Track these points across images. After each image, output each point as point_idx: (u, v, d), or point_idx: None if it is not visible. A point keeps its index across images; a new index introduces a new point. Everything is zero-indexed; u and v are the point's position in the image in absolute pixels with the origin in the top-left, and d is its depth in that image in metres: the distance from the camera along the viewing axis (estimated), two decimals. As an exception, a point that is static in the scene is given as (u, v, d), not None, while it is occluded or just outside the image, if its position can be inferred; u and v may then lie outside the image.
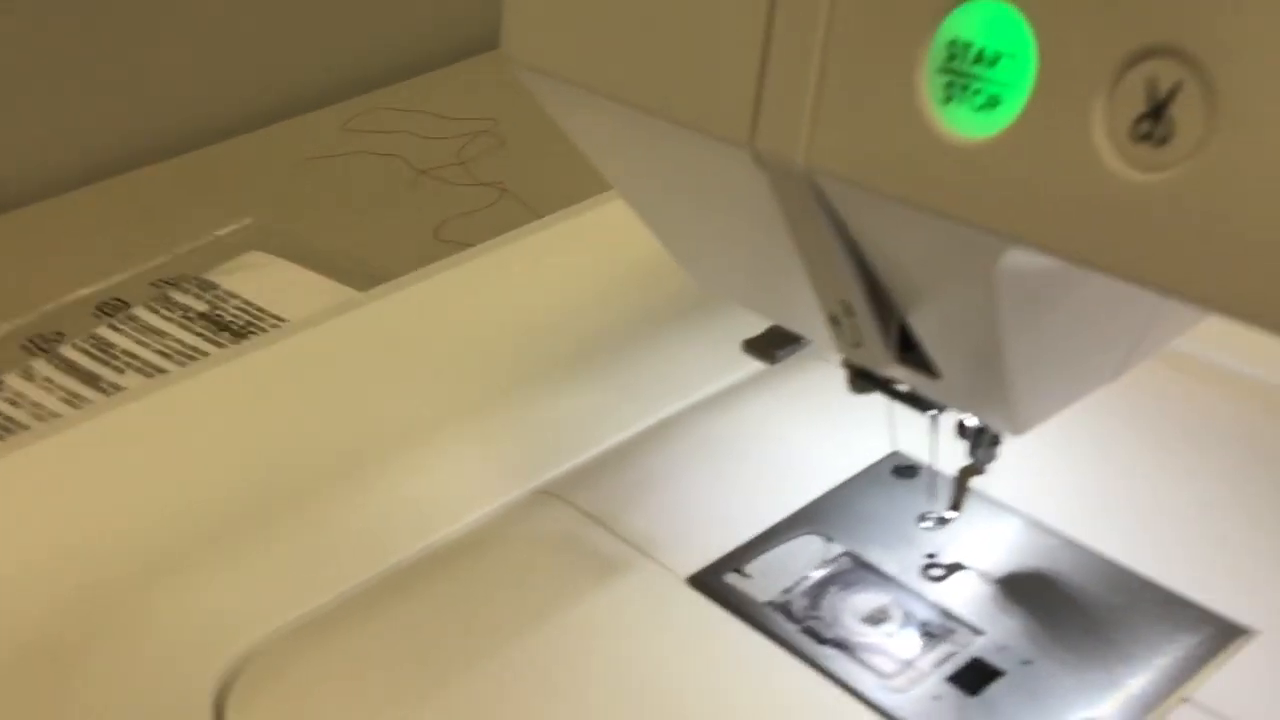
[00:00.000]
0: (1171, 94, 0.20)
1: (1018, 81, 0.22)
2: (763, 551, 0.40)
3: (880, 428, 0.41)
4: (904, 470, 0.43)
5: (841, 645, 0.36)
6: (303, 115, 0.93)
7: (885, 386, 0.34)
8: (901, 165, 0.24)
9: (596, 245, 0.50)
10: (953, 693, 0.35)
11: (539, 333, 0.47)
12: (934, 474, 0.39)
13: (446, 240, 0.74)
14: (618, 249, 0.48)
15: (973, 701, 0.34)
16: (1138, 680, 0.35)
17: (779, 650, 0.36)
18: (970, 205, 0.23)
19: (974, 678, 0.35)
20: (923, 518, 0.40)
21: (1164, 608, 0.37)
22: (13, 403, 0.59)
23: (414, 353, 0.46)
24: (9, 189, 0.85)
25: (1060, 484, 0.42)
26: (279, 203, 0.80)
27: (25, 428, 0.56)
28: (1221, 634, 0.36)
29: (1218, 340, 0.45)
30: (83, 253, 0.76)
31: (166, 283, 0.72)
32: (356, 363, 0.45)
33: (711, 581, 0.39)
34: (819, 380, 0.46)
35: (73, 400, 0.58)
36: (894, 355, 0.29)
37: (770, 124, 0.26)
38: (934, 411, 0.35)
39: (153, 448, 0.41)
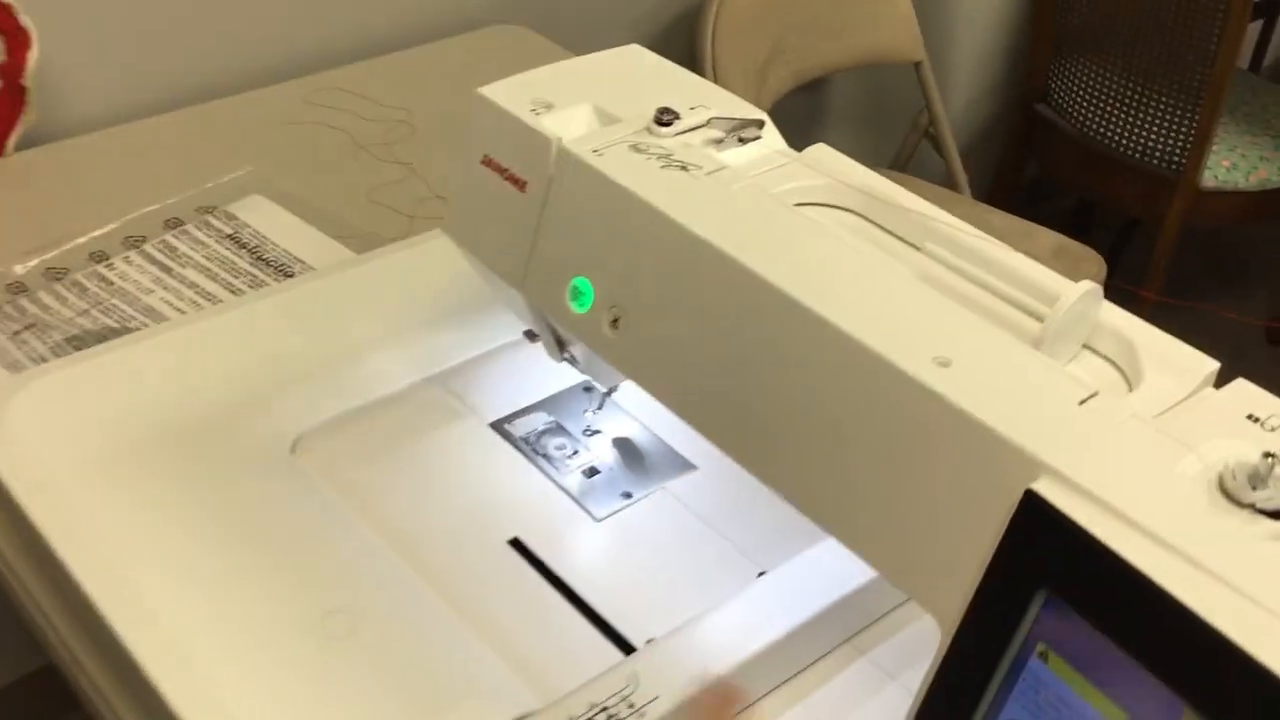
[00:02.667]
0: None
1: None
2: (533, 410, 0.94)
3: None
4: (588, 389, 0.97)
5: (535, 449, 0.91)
6: (277, 84, 1.41)
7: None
8: (561, 307, 0.77)
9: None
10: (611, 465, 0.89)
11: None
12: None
13: (376, 203, 1.24)
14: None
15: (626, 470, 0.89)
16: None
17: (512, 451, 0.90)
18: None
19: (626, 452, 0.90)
20: (585, 390, 0.94)
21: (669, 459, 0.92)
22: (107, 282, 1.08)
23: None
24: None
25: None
26: (265, 157, 1.28)
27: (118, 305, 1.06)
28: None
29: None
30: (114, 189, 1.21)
31: (204, 210, 1.20)
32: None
33: (499, 428, 0.93)
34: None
35: (160, 281, 1.08)
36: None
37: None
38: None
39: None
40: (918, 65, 1.94)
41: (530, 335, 0.91)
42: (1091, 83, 2.14)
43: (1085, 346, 0.67)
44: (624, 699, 0.69)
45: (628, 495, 0.89)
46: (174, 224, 1.17)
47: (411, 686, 0.74)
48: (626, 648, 0.78)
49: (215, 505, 0.83)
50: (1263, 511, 0.55)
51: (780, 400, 0.66)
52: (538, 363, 0.96)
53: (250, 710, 0.70)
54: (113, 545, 0.77)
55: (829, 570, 0.78)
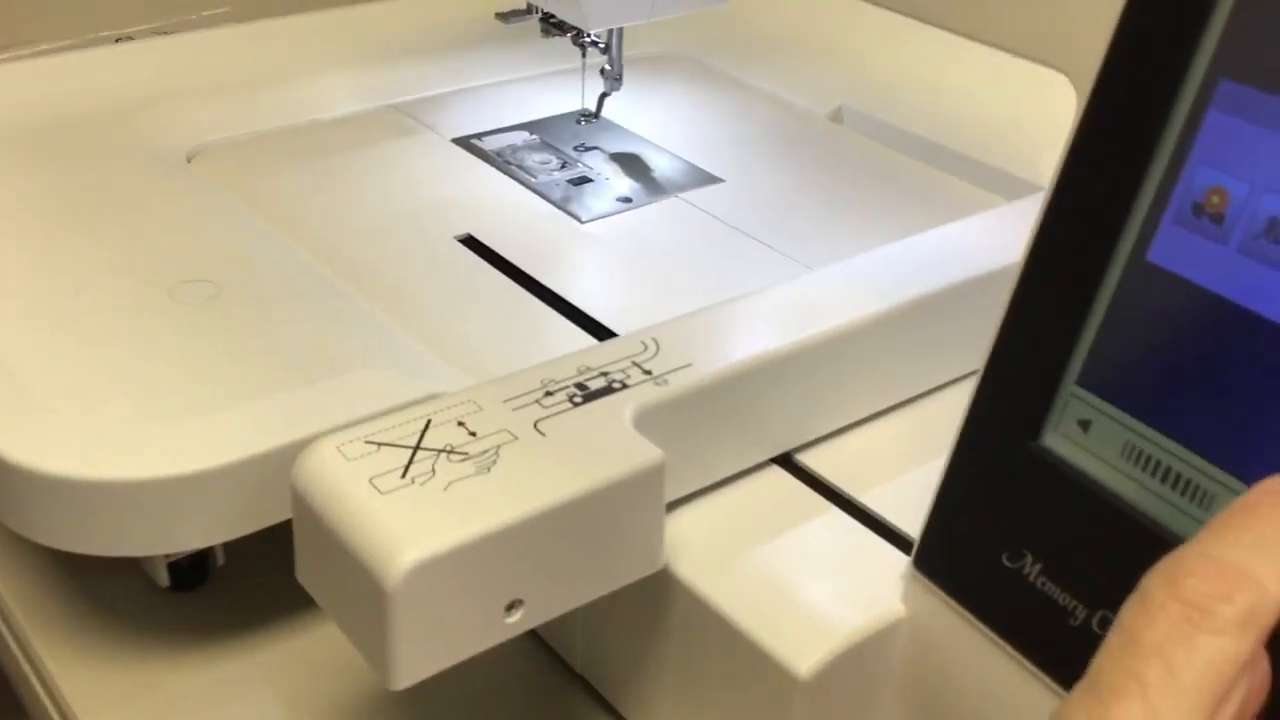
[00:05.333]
0: None
1: None
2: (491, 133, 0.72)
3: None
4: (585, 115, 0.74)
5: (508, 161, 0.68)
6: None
7: (547, 20, 0.66)
8: None
9: None
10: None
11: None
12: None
13: None
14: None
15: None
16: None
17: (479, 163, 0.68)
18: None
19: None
20: (577, 119, 0.72)
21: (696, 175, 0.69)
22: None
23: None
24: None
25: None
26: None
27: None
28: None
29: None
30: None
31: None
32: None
33: (464, 143, 0.71)
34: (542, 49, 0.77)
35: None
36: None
37: None
38: (582, 40, 0.67)
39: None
40: None
41: (503, 16, 0.70)
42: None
43: None
44: (635, 364, 0.45)
45: (626, 200, 0.66)
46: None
47: (282, 353, 0.51)
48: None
49: (78, 200, 0.62)
50: None
51: None
52: (524, 97, 0.75)
53: (68, 382, 0.48)
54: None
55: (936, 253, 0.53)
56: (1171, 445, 0.33)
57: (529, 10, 0.69)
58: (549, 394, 0.43)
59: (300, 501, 0.40)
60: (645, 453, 0.41)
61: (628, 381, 0.44)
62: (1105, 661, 0.27)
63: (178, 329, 0.52)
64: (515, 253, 0.60)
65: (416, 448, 0.40)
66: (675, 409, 0.44)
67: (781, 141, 0.73)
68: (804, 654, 0.39)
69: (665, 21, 0.83)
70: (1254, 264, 0.31)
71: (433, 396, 0.49)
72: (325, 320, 0.53)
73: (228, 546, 0.53)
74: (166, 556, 0.52)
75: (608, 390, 0.43)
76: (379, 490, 0.38)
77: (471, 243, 0.61)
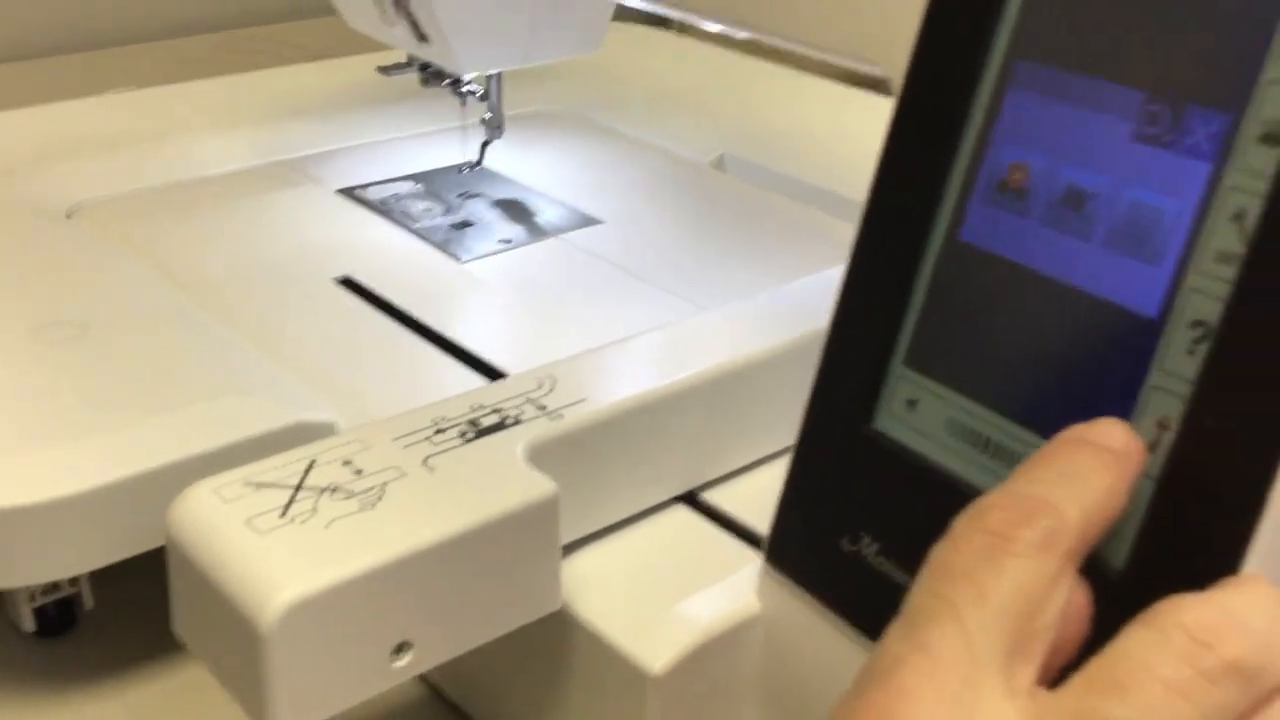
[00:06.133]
0: None
1: None
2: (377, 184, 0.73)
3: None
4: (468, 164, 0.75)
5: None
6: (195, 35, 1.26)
7: (425, 70, 0.67)
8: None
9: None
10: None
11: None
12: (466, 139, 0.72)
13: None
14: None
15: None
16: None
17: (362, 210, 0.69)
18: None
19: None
20: (460, 169, 0.73)
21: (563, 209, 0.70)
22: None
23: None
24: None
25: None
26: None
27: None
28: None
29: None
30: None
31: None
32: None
33: (348, 193, 0.72)
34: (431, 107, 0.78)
35: None
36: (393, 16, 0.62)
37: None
38: (461, 90, 0.68)
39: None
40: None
41: (385, 70, 0.71)
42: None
43: None
44: (530, 400, 0.45)
45: (507, 241, 0.67)
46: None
47: (146, 384, 0.51)
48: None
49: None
50: None
51: None
52: (411, 151, 0.76)
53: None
54: None
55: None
56: (991, 416, 0.34)
57: (409, 63, 0.70)
58: (440, 431, 0.42)
59: (174, 548, 0.38)
60: (537, 485, 0.40)
61: (521, 417, 0.43)
62: (917, 592, 0.27)
63: (40, 365, 0.52)
64: (393, 292, 0.61)
65: (298, 487, 0.39)
66: (570, 443, 0.43)
67: (663, 187, 0.75)
68: (658, 653, 0.39)
69: (551, 79, 0.85)
70: (1054, 234, 0.33)
71: (301, 424, 0.49)
72: (194, 352, 0.53)
73: (96, 590, 0.52)
74: (31, 600, 0.51)
75: (501, 426, 0.43)
76: (256, 531, 0.37)
77: (350, 284, 0.61)
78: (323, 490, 0.39)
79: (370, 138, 0.79)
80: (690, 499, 0.49)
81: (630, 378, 0.46)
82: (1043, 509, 0.27)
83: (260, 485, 0.39)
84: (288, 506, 0.38)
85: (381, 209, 0.69)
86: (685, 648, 0.40)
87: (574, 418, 0.44)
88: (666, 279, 0.63)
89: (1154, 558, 0.30)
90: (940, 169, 0.35)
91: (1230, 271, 0.29)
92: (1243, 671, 0.25)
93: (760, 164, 0.79)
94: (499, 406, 0.44)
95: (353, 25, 0.68)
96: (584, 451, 0.44)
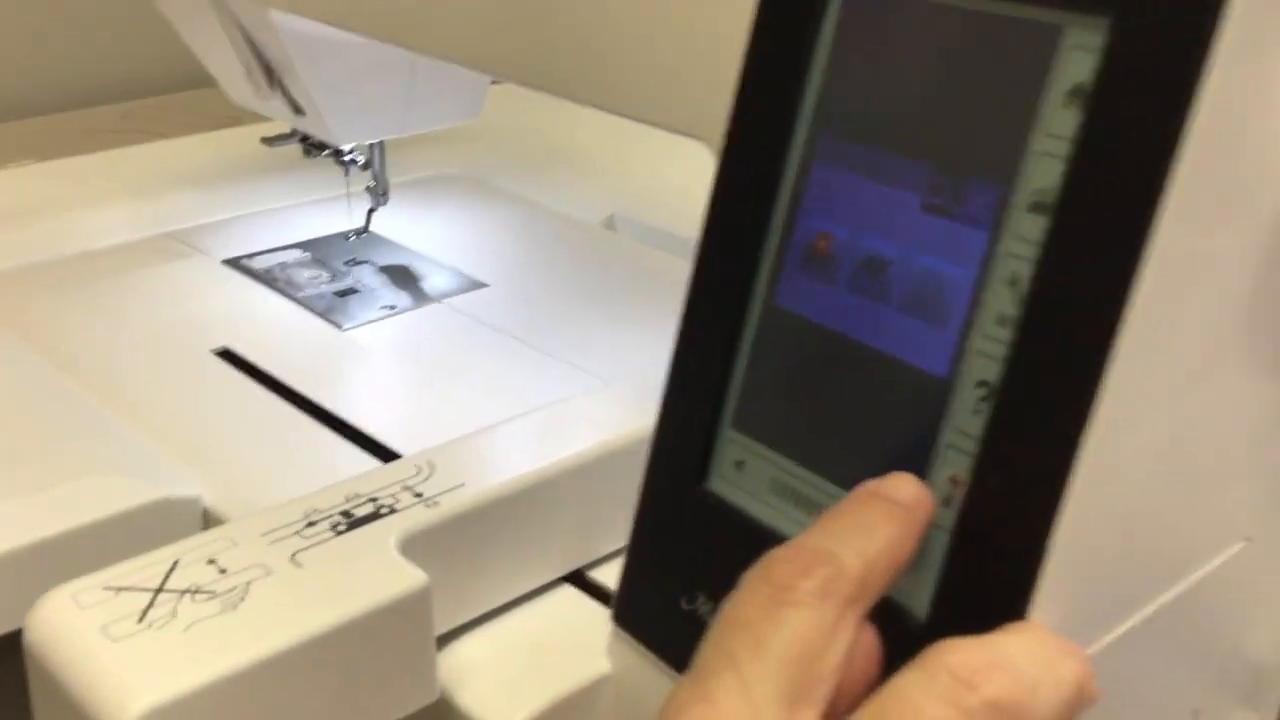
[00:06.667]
0: None
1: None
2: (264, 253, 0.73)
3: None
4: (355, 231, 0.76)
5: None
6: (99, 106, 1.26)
7: (307, 141, 0.68)
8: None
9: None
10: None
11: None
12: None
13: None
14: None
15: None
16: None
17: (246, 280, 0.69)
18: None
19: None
20: (346, 236, 0.74)
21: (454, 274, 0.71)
22: None
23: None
24: None
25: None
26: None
27: None
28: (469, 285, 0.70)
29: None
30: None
31: None
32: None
33: (234, 263, 0.72)
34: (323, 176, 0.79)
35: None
36: (267, 91, 0.63)
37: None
38: (343, 159, 0.69)
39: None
40: None
41: (269, 141, 0.72)
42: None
43: None
44: (407, 487, 0.45)
45: (390, 308, 0.68)
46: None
47: (16, 464, 0.51)
48: (390, 456, 0.54)
49: None
50: None
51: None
52: (300, 220, 0.77)
53: None
54: None
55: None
56: (807, 475, 0.35)
57: (292, 134, 0.71)
58: (311, 524, 0.42)
59: (32, 656, 0.38)
60: (408, 577, 0.40)
61: (397, 506, 0.43)
62: (705, 644, 0.28)
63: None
64: (270, 362, 0.61)
65: (159, 590, 0.39)
66: (447, 531, 0.43)
67: (552, 249, 0.76)
68: (511, 714, 0.40)
69: (444, 143, 0.86)
70: (857, 299, 0.34)
71: (165, 500, 0.49)
72: (63, 431, 0.53)
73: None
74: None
75: (375, 516, 0.42)
76: (111, 638, 0.36)
77: (229, 356, 0.62)
78: (184, 592, 0.38)
79: (259, 206, 0.79)
80: (577, 577, 0.49)
81: (511, 461, 0.46)
82: (822, 559, 0.29)
83: (120, 589, 0.38)
84: (146, 610, 0.38)
85: (266, 278, 0.70)
86: (535, 709, 0.40)
87: (451, 505, 0.43)
88: (552, 343, 0.64)
89: (952, 607, 0.31)
90: (757, 238, 0.37)
91: (1007, 334, 0.31)
92: (1003, 710, 0.26)
93: (650, 223, 0.80)
94: (374, 495, 0.44)
95: (233, 98, 0.69)
96: (462, 539, 0.43)
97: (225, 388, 0.59)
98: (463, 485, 0.45)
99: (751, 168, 0.37)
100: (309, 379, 0.60)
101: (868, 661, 0.29)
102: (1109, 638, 0.33)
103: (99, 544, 0.47)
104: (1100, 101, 0.29)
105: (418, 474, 0.45)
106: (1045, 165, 0.30)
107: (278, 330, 0.65)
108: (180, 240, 0.75)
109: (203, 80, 1.34)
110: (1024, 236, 0.30)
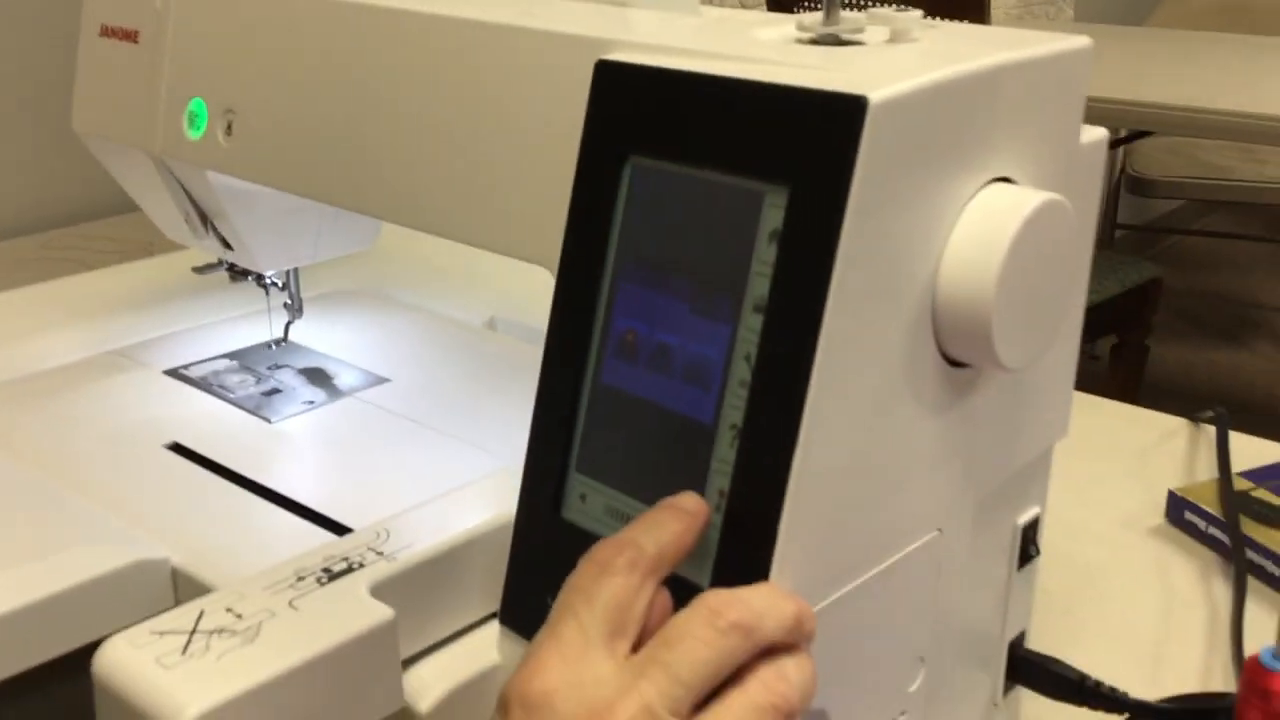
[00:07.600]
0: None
1: None
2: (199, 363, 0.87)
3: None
4: (276, 341, 0.90)
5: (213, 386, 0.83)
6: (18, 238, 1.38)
7: (232, 268, 0.83)
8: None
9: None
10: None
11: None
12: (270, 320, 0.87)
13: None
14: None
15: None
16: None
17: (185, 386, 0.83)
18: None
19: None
20: (269, 345, 0.88)
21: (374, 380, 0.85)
22: None
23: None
24: None
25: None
26: None
27: None
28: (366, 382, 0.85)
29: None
30: None
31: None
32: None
33: (174, 373, 0.85)
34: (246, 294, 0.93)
35: None
36: (203, 233, 0.77)
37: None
38: (264, 282, 0.83)
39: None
40: None
41: (199, 270, 0.86)
42: None
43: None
44: (371, 548, 0.58)
45: (310, 403, 0.82)
46: None
47: (8, 544, 0.64)
48: (340, 530, 0.68)
49: None
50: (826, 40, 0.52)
51: (388, 116, 0.62)
52: (227, 333, 0.91)
53: None
54: None
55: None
56: (628, 500, 0.50)
57: (219, 263, 0.85)
58: (301, 578, 0.55)
59: (101, 689, 0.50)
60: (378, 614, 0.53)
61: (365, 562, 0.57)
62: (556, 604, 0.43)
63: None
64: (215, 452, 0.74)
65: (193, 631, 0.52)
66: (406, 579, 0.56)
67: (442, 347, 0.91)
68: (422, 694, 0.54)
69: (346, 264, 1.01)
70: (653, 374, 0.50)
71: (140, 562, 0.62)
72: (45, 516, 0.66)
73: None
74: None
75: (349, 570, 0.56)
76: (164, 666, 0.49)
77: (179, 448, 0.75)
78: (212, 632, 0.52)
79: (191, 323, 0.93)
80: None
81: (448, 524, 0.60)
82: (630, 545, 0.44)
83: (163, 633, 0.52)
84: (186, 646, 0.51)
85: (203, 384, 0.83)
86: (441, 692, 0.54)
87: (406, 559, 0.57)
88: (449, 425, 0.78)
89: (722, 578, 0.46)
90: (585, 334, 0.52)
91: (745, 392, 0.46)
92: (741, 628, 0.41)
93: (525, 323, 0.96)
94: (346, 555, 0.58)
95: (170, 236, 0.83)
96: (417, 584, 0.57)
97: (179, 473, 0.72)
98: (413, 545, 0.58)
99: (579, 285, 0.52)
100: (249, 463, 0.73)
101: (664, 613, 0.44)
102: (834, 596, 0.48)
103: (87, 602, 0.60)
104: (787, 239, 0.45)
105: (378, 538, 0.59)
106: (760, 281, 0.46)
107: (218, 426, 0.78)
108: (124, 355, 0.88)
109: (119, 208, 1.47)
110: (752, 328, 0.46)
